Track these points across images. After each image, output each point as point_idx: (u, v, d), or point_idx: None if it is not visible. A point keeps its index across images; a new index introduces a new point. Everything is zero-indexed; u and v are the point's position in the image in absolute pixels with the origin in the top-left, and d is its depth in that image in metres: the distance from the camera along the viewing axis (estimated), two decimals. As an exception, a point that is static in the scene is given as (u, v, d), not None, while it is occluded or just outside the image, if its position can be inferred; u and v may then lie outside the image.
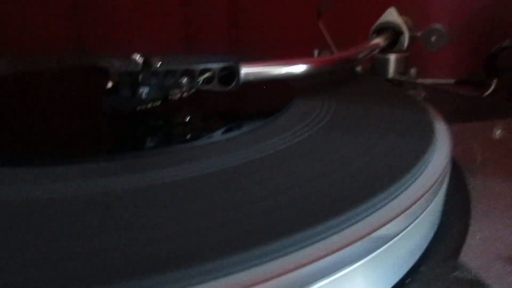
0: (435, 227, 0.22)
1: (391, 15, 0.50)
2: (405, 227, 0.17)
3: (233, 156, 0.21)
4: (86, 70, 0.40)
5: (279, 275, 0.13)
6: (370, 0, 0.71)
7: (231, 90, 0.28)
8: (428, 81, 0.49)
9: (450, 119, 0.36)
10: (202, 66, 0.27)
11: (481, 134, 0.39)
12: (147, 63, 0.24)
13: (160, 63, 0.26)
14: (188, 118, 0.28)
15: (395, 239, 0.17)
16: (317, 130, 0.25)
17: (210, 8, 0.70)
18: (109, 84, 0.26)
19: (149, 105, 0.27)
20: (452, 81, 0.48)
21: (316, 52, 0.53)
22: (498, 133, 0.39)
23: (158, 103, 0.28)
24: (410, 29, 0.50)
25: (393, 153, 0.22)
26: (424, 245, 0.20)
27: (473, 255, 0.21)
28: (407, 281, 0.18)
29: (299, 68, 0.31)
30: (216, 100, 0.32)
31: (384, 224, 0.16)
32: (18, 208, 0.16)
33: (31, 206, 0.16)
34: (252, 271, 0.13)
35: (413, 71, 0.51)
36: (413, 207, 0.18)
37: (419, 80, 0.49)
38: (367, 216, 0.16)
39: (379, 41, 0.45)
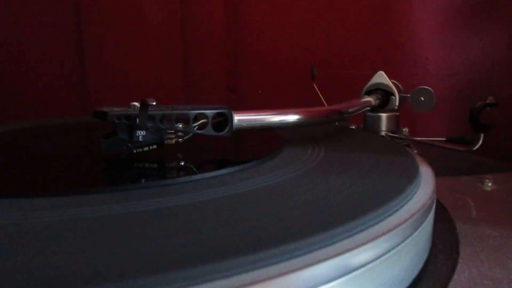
0: (422, 261, 0.22)
1: (381, 77, 0.53)
2: (390, 248, 0.18)
3: (229, 189, 0.22)
4: (88, 124, 0.42)
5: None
6: (359, 65, 0.75)
7: (225, 136, 0.30)
8: (420, 138, 0.51)
9: (442, 173, 0.38)
10: (196, 112, 0.28)
11: (471, 186, 0.40)
12: (143, 107, 0.26)
13: (155, 106, 0.27)
14: (182, 161, 0.29)
15: (377, 262, 0.17)
16: (306, 170, 0.26)
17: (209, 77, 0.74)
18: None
19: (146, 149, 0.29)
20: (443, 139, 0.50)
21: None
22: (488, 185, 0.40)
23: (155, 147, 0.29)
24: (400, 91, 0.53)
25: (381, 184, 0.23)
26: (410, 277, 0.20)
27: (461, 290, 0.21)
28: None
29: (290, 118, 0.33)
30: (211, 147, 0.34)
31: (370, 241, 0.17)
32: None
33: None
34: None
35: (405, 130, 0.52)
36: (397, 230, 0.18)
37: (411, 138, 0.50)
38: (354, 234, 0.17)
39: (370, 99, 0.47)
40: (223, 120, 0.30)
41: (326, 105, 0.55)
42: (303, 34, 0.74)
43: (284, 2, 0.74)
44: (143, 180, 0.25)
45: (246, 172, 0.26)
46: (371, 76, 0.54)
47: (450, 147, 0.44)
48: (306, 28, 0.74)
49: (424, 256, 0.22)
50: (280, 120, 0.33)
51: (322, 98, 0.55)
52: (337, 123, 0.52)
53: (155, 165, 0.29)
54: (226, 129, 0.30)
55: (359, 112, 0.44)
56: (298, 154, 0.30)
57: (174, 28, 0.72)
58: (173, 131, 0.30)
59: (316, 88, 0.57)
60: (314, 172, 0.26)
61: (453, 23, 0.77)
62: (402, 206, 0.21)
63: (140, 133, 0.27)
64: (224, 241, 0.15)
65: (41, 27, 0.68)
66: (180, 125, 0.29)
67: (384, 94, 0.52)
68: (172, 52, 0.72)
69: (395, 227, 0.19)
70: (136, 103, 0.28)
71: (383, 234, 0.18)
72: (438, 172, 0.33)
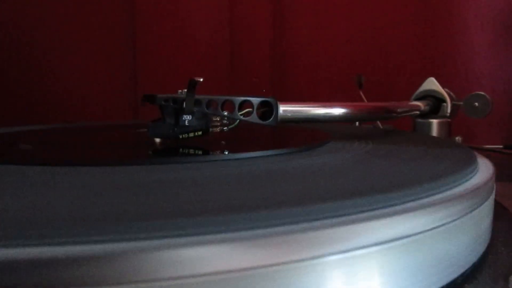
0: (482, 246, 0.20)
1: (432, 84, 0.51)
2: (449, 219, 0.17)
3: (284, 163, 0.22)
4: (136, 125, 0.43)
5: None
6: (407, 71, 0.74)
7: (270, 125, 0.29)
8: (475, 146, 0.48)
9: (499, 179, 0.35)
10: (242, 98, 0.28)
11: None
12: (191, 85, 0.26)
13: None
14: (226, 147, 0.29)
15: (435, 231, 0.16)
16: (357, 154, 0.25)
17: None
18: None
19: (191, 135, 0.29)
20: (500, 146, 0.47)
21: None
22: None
23: (200, 133, 0.29)
24: (452, 99, 0.51)
25: (440, 165, 0.22)
26: (470, 261, 0.19)
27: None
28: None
29: (336, 111, 0.32)
30: (255, 137, 0.33)
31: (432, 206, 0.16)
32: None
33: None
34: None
35: (458, 139, 0.50)
36: (457, 201, 0.17)
37: (466, 145, 0.48)
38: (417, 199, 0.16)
39: (419, 103, 0.45)
40: (268, 110, 0.30)
41: (363, 97, 0.54)
42: (349, 45, 0.74)
43: (329, 16, 0.74)
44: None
45: (302, 153, 0.25)
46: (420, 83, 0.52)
47: (509, 152, 0.41)
48: (351, 39, 0.74)
49: (484, 242, 0.21)
50: (326, 113, 0.32)
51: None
52: (381, 126, 0.51)
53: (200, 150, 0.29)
54: (271, 118, 0.29)
55: (408, 114, 0.43)
56: (345, 145, 0.29)
57: (222, 42, 0.74)
58: (218, 119, 0.30)
59: (363, 96, 0.56)
60: (367, 157, 0.25)
61: (506, 36, 0.74)
62: (463, 182, 0.20)
63: (187, 118, 0.28)
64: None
65: (98, 41, 0.71)
66: (225, 113, 0.29)
67: (435, 100, 0.50)
68: (220, 65, 0.74)
69: (455, 199, 0.17)
70: (184, 90, 0.28)
71: (444, 202, 0.17)
72: (496, 178, 0.31)
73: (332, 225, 0.14)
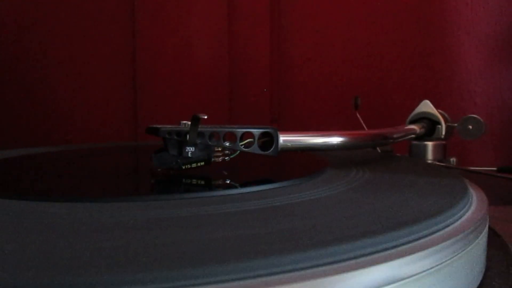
0: (476, 281, 0.21)
1: (426, 106, 0.52)
2: (443, 259, 0.17)
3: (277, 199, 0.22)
4: (138, 148, 0.44)
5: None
6: (403, 91, 0.75)
7: (270, 155, 0.30)
8: (469, 168, 0.49)
9: (493, 203, 0.36)
10: (243, 130, 0.29)
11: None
12: (194, 121, 0.27)
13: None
14: (228, 178, 0.30)
15: (430, 272, 0.17)
16: (353, 186, 0.26)
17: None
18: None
19: (194, 165, 0.30)
20: (494, 168, 0.48)
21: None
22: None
23: (202, 163, 0.30)
24: (446, 120, 0.52)
25: (433, 199, 0.22)
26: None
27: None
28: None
29: (334, 140, 0.33)
30: (254, 167, 0.34)
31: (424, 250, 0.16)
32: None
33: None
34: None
35: (453, 160, 0.51)
36: (449, 242, 0.18)
37: (460, 167, 0.49)
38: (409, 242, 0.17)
39: (415, 127, 0.46)
40: (269, 140, 0.31)
41: (362, 123, 0.55)
42: (346, 65, 0.75)
43: (326, 36, 0.76)
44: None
45: (295, 187, 0.26)
46: (416, 104, 0.53)
47: (502, 176, 0.42)
48: (349, 59, 0.75)
49: (479, 277, 0.21)
50: (324, 142, 0.33)
51: (365, 127, 0.55)
52: (379, 150, 0.52)
53: (202, 181, 0.30)
54: (272, 148, 0.30)
55: (404, 139, 0.44)
56: (341, 174, 0.30)
57: (221, 62, 0.75)
58: (220, 150, 0.31)
59: (360, 118, 0.57)
60: (362, 189, 0.26)
61: (501, 56, 0.76)
62: (455, 221, 0.20)
63: (190, 149, 0.29)
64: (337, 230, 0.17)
65: (98, 59, 0.72)
66: (227, 143, 0.29)
67: (430, 123, 0.51)
68: (219, 86, 0.75)
69: (448, 239, 0.18)
70: (186, 122, 0.29)
71: (437, 243, 0.17)
72: (490, 202, 0.32)
73: (323, 272, 0.14)
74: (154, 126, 0.28)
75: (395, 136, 0.39)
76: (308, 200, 0.23)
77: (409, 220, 0.19)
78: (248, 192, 0.25)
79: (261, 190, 0.25)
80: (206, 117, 0.26)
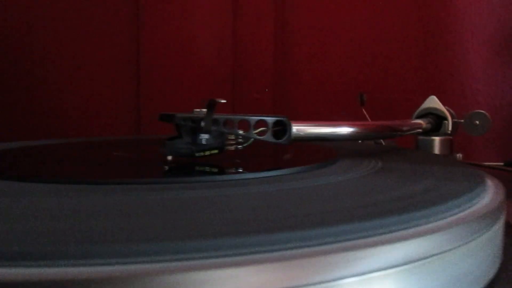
0: (494, 269, 0.21)
1: (433, 102, 0.52)
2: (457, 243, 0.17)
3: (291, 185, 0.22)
4: (149, 140, 0.44)
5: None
6: (406, 89, 0.75)
7: (283, 144, 0.30)
8: (476, 163, 0.49)
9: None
10: (257, 118, 0.29)
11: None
12: (211, 105, 0.27)
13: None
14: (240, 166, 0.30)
15: (445, 255, 0.17)
16: (368, 173, 0.26)
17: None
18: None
19: (207, 153, 0.29)
20: (501, 163, 0.48)
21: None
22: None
23: (216, 151, 0.30)
24: (452, 116, 0.52)
25: (451, 185, 0.22)
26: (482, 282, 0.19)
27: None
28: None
29: (346, 130, 0.33)
30: (267, 156, 0.34)
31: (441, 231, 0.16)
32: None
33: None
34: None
35: (459, 156, 0.51)
36: (467, 224, 0.18)
37: (467, 162, 0.49)
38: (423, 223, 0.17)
39: (421, 122, 0.47)
40: (281, 129, 0.31)
41: (367, 116, 0.55)
42: (350, 63, 0.75)
43: (331, 33, 0.76)
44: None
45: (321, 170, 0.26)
46: (420, 101, 0.54)
47: (510, 169, 0.42)
48: (353, 57, 0.75)
49: (497, 263, 0.21)
50: (336, 132, 0.33)
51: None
52: (383, 143, 0.52)
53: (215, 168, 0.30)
54: (285, 137, 0.30)
55: (411, 133, 0.44)
56: (356, 162, 0.30)
57: (225, 59, 0.75)
58: (233, 138, 0.31)
59: (366, 114, 0.57)
60: (378, 176, 0.26)
61: (503, 54, 0.76)
62: (474, 204, 0.20)
63: (204, 137, 0.29)
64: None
65: (102, 54, 0.72)
66: (241, 131, 0.29)
67: (436, 118, 0.51)
68: (222, 83, 0.75)
69: (470, 220, 0.18)
70: (200, 109, 0.29)
71: (454, 225, 0.17)
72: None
73: (350, 247, 0.14)
74: (168, 113, 0.28)
75: (404, 128, 0.39)
76: (333, 183, 0.23)
77: (438, 200, 0.19)
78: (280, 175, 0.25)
79: (287, 174, 0.25)
80: (224, 101, 0.26)
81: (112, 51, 0.73)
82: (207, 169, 0.28)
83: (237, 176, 0.25)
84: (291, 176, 0.25)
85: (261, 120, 0.30)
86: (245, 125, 0.30)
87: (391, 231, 0.16)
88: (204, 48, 0.74)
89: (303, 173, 0.26)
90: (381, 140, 0.54)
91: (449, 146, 0.50)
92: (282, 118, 0.30)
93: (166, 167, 0.29)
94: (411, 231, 0.16)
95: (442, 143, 0.50)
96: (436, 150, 0.50)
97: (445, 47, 0.77)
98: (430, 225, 0.17)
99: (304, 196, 0.21)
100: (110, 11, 0.72)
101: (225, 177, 0.25)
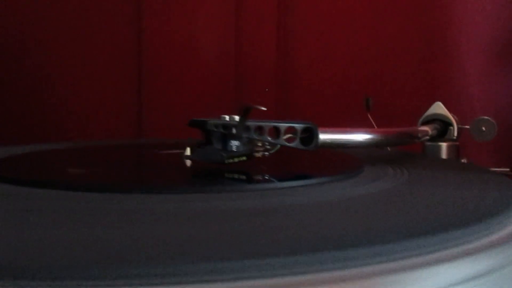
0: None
1: (439, 108, 0.53)
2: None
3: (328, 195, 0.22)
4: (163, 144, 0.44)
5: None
6: (405, 94, 0.76)
7: (310, 150, 0.30)
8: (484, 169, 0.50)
9: None
10: (287, 125, 0.29)
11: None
12: (246, 111, 0.27)
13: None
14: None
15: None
16: (400, 183, 0.26)
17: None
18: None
19: (236, 160, 0.29)
20: (507, 169, 0.49)
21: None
22: None
23: (244, 158, 0.30)
24: (457, 122, 0.53)
25: (488, 197, 0.23)
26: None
27: None
28: None
29: (369, 137, 0.33)
30: (292, 164, 0.34)
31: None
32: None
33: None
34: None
35: (464, 161, 0.52)
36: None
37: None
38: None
39: (427, 129, 0.47)
40: (308, 136, 0.31)
41: (373, 122, 0.56)
42: (351, 68, 0.76)
43: (332, 38, 0.76)
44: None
45: (341, 183, 0.26)
46: (423, 107, 0.54)
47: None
48: (354, 62, 0.76)
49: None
50: (359, 139, 0.33)
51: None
52: (389, 149, 0.52)
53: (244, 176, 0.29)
54: (312, 144, 0.30)
55: (424, 139, 0.44)
56: (382, 171, 0.31)
57: (227, 61, 0.74)
58: (260, 145, 0.31)
59: (371, 119, 0.57)
60: (411, 188, 0.26)
61: (497, 62, 0.78)
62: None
63: (234, 143, 0.28)
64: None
65: (103, 56, 0.71)
66: (270, 138, 0.29)
67: (442, 124, 0.52)
68: (224, 85, 0.74)
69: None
70: (229, 115, 0.29)
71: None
72: None
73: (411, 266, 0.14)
74: (200, 119, 0.28)
75: (419, 135, 0.40)
76: (362, 195, 0.23)
77: (484, 215, 0.19)
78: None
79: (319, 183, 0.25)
80: (264, 109, 0.26)
81: (112, 53, 0.72)
82: (244, 176, 0.28)
83: (291, 183, 0.25)
84: (332, 184, 0.25)
85: (290, 127, 0.30)
86: (270, 131, 0.30)
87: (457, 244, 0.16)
88: (207, 50, 0.74)
89: (332, 183, 0.26)
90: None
91: (456, 151, 0.51)
92: (309, 125, 0.30)
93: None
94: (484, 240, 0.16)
95: (449, 148, 0.50)
96: (444, 155, 0.50)
97: (443, 54, 0.78)
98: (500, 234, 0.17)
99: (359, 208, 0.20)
100: (111, 12, 0.71)
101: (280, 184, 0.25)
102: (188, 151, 0.32)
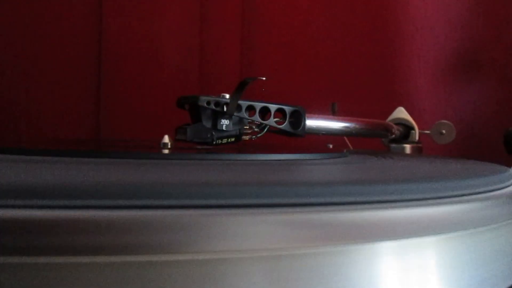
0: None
1: (402, 113, 0.55)
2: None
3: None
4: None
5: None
6: (378, 100, 0.79)
7: (298, 134, 0.30)
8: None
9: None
10: (277, 106, 0.29)
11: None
12: (241, 87, 0.26)
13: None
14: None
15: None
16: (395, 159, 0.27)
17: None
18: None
19: (225, 141, 0.29)
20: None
21: (330, 146, 0.57)
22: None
23: (233, 139, 0.29)
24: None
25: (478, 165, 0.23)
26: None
27: None
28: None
29: (352, 125, 0.34)
30: (279, 147, 0.34)
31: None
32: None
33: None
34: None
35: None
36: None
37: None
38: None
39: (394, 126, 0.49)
40: (295, 121, 0.31)
41: (347, 142, 0.57)
42: (313, 78, 0.78)
43: (297, 46, 0.78)
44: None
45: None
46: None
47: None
48: (315, 71, 0.78)
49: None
50: (343, 126, 0.34)
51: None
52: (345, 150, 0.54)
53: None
54: (300, 127, 0.30)
55: (394, 134, 0.46)
56: (368, 153, 0.31)
57: (190, 68, 0.74)
58: (248, 127, 0.30)
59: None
60: (406, 161, 0.26)
61: (446, 79, 0.84)
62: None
63: (225, 122, 0.28)
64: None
65: (61, 59, 0.68)
66: (261, 118, 0.29)
67: (405, 127, 0.54)
68: (187, 92, 0.73)
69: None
70: (226, 94, 0.29)
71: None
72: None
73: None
74: (192, 95, 0.27)
75: (393, 130, 0.41)
76: (368, 163, 0.23)
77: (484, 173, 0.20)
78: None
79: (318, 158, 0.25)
80: (264, 78, 0.26)
81: (70, 57, 0.69)
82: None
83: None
84: (326, 160, 0.25)
85: (279, 108, 0.29)
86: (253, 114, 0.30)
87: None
88: (170, 54, 0.73)
89: (331, 158, 0.26)
90: (349, 144, 0.56)
91: (419, 153, 0.53)
92: (297, 108, 0.30)
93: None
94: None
95: (413, 150, 0.52)
96: (408, 156, 0.52)
97: (396, 70, 0.82)
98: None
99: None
100: (70, 14, 0.68)
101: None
102: (166, 139, 0.30)
